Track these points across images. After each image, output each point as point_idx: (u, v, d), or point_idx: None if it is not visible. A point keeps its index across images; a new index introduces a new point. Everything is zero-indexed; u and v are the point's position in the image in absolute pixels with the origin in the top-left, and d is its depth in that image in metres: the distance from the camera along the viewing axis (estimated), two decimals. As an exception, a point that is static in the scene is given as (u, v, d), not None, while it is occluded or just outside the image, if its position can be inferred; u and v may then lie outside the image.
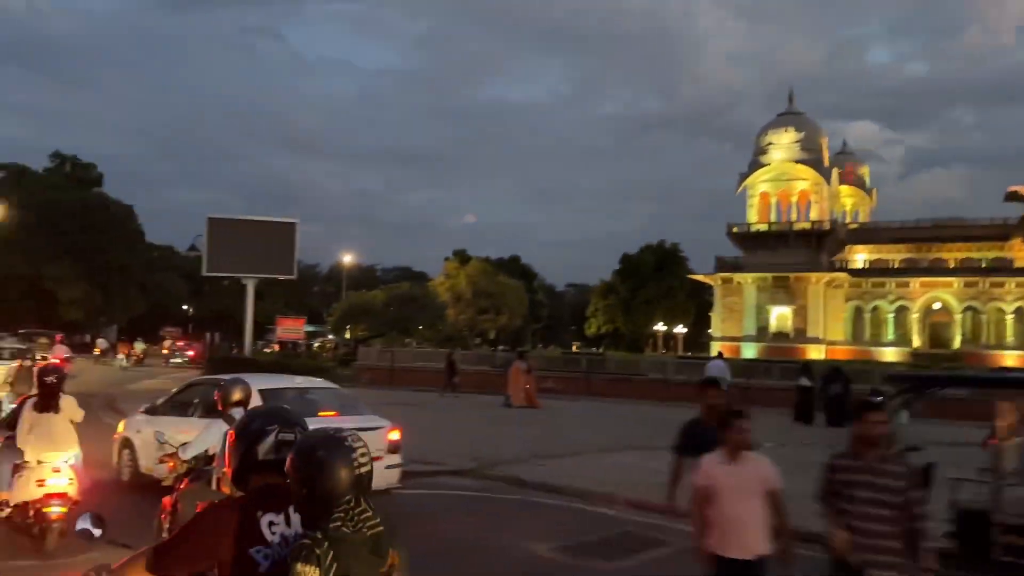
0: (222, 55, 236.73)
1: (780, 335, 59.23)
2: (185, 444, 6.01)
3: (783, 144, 60.40)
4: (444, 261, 74.13)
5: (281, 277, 41.94)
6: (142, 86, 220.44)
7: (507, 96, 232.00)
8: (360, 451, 2.34)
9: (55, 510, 7.03)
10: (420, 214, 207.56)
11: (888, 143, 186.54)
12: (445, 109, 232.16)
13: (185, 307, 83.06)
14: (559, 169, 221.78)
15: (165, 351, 45.37)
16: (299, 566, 2.18)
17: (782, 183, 60.66)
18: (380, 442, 9.09)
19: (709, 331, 65.26)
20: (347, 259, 66.12)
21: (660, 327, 75.58)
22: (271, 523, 2.41)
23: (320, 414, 8.79)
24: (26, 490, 7.10)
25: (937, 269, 60.05)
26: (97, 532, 2.87)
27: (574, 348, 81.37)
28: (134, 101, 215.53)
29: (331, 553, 2.20)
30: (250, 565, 2.35)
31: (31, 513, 7.12)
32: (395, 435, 9.59)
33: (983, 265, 60.29)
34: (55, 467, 7.22)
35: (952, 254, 65.66)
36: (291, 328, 38.26)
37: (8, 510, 7.26)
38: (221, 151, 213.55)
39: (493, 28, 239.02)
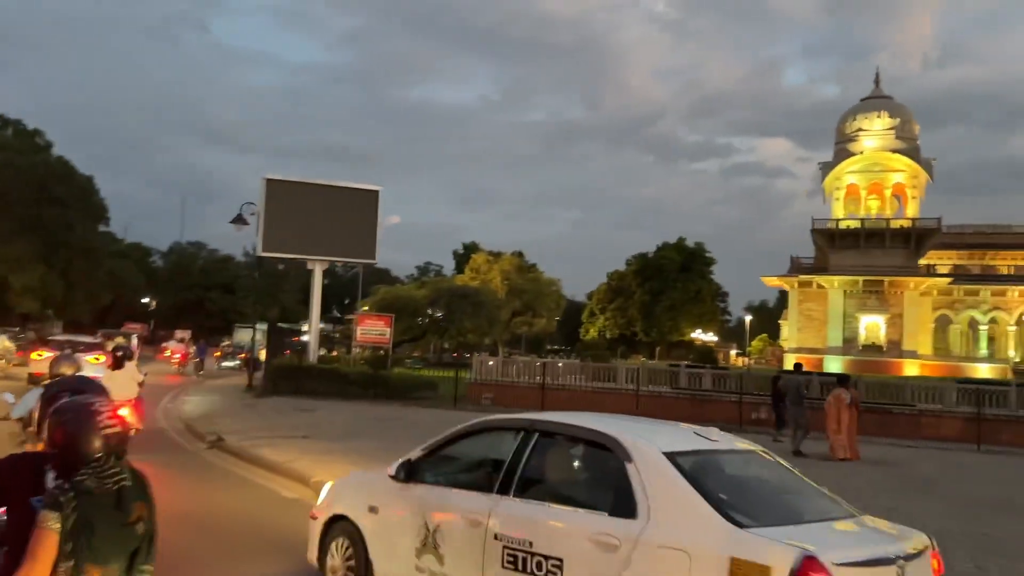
0: (144, 44, 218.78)
1: (871, 348, 52.02)
2: (16, 403, 6.84)
3: (875, 131, 53.30)
4: (466, 256, 64.89)
5: (362, 261, 32.43)
6: (59, 71, 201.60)
7: (436, 97, 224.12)
8: (104, 417, 2.69)
9: None
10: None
11: (800, 160, 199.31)
12: (373, 107, 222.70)
13: (145, 300, 71.23)
14: (486, 173, 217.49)
15: (218, 353, 37.68)
16: (44, 512, 2.47)
17: (874, 175, 53.53)
18: None
19: (781, 341, 57.59)
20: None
21: (699, 335, 67.95)
22: (56, 477, 2.66)
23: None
24: None
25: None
26: None
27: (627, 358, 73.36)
28: (51, 86, 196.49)
29: (74, 503, 2.49)
30: (29, 512, 2.57)
31: None
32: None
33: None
34: (121, 404, 9.24)
35: (1005, 261, 60.26)
36: (374, 328, 28.53)
37: None
38: (139, 141, 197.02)
39: (424, 28, 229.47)
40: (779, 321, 60.58)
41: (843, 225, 52.99)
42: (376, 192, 29.55)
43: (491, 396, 26.18)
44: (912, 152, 52.26)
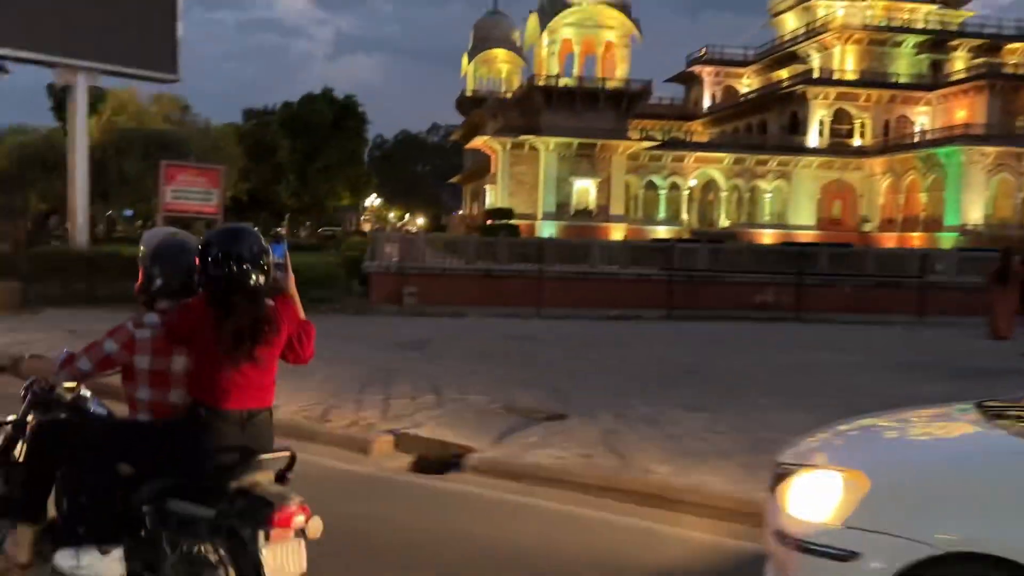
0: None
1: (583, 212, 50.67)
2: None
3: (587, -18, 50.11)
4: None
5: (158, 76, 19.31)
6: None
7: None
8: None
9: None
10: None
11: (319, 22, 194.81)
12: None
13: None
14: None
15: None
16: None
17: (588, 30, 50.56)
18: None
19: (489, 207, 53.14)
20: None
21: (373, 201, 60.65)
22: None
23: None
24: None
25: (714, 144, 57.44)
26: None
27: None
28: None
29: None
30: None
31: None
32: None
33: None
34: None
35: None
36: (192, 189, 17.14)
37: None
38: None
39: None
40: (485, 186, 56.31)
41: (560, 84, 49.71)
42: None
43: (414, 291, 17.73)
44: (626, 9, 50.44)
